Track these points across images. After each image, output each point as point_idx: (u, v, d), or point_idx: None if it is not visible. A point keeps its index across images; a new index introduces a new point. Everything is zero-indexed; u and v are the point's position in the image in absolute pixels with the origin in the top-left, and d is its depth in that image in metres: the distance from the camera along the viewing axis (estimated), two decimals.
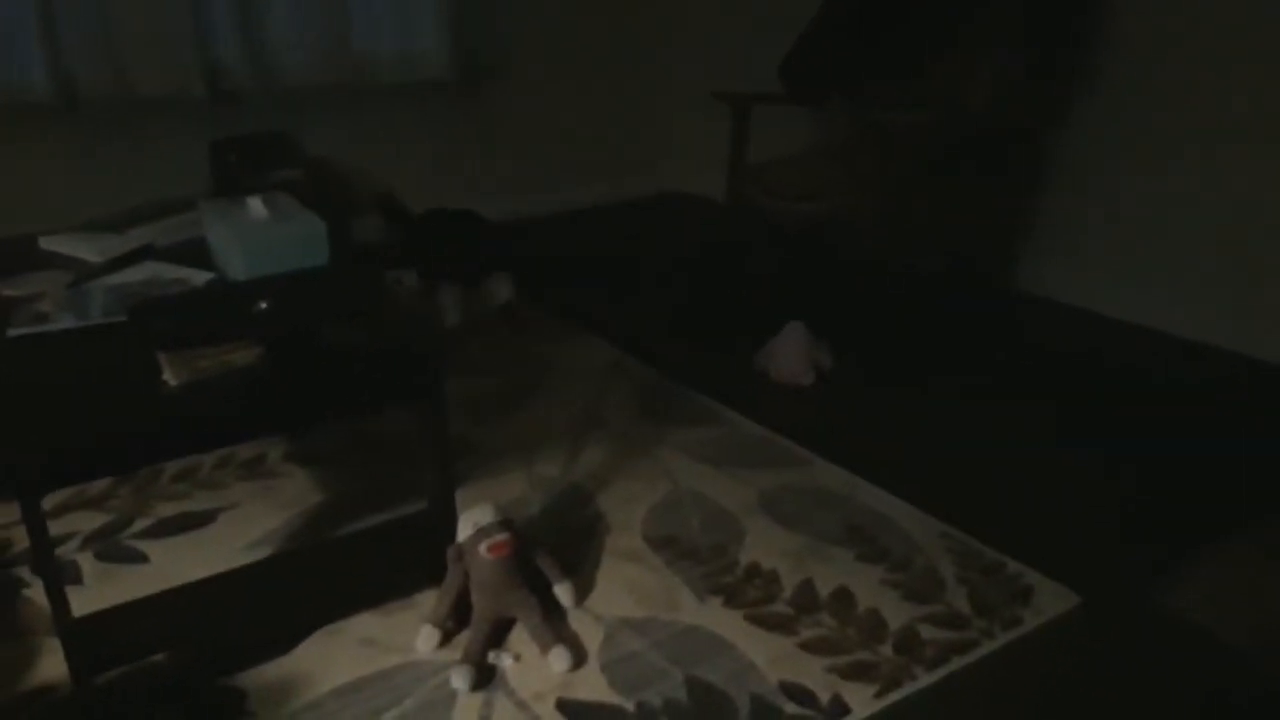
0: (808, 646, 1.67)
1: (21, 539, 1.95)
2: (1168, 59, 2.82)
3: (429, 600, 1.74)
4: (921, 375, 2.72)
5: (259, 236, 1.70)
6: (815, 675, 1.61)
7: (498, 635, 1.68)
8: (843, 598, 1.80)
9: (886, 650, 1.67)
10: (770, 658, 1.65)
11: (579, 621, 1.73)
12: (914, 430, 2.42)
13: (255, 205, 1.79)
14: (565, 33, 4.08)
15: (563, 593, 1.76)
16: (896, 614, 1.76)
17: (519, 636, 1.69)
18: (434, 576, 1.72)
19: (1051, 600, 1.79)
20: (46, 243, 1.99)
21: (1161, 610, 1.77)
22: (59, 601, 1.41)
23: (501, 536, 1.66)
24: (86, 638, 1.51)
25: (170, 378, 1.37)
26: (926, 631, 1.71)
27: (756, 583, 1.84)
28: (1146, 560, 1.91)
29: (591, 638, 1.69)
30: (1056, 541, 1.97)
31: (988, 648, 1.67)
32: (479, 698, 1.56)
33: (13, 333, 1.57)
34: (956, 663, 1.64)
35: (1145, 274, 3.01)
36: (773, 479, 2.20)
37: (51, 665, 1.62)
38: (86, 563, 1.89)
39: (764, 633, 1.71)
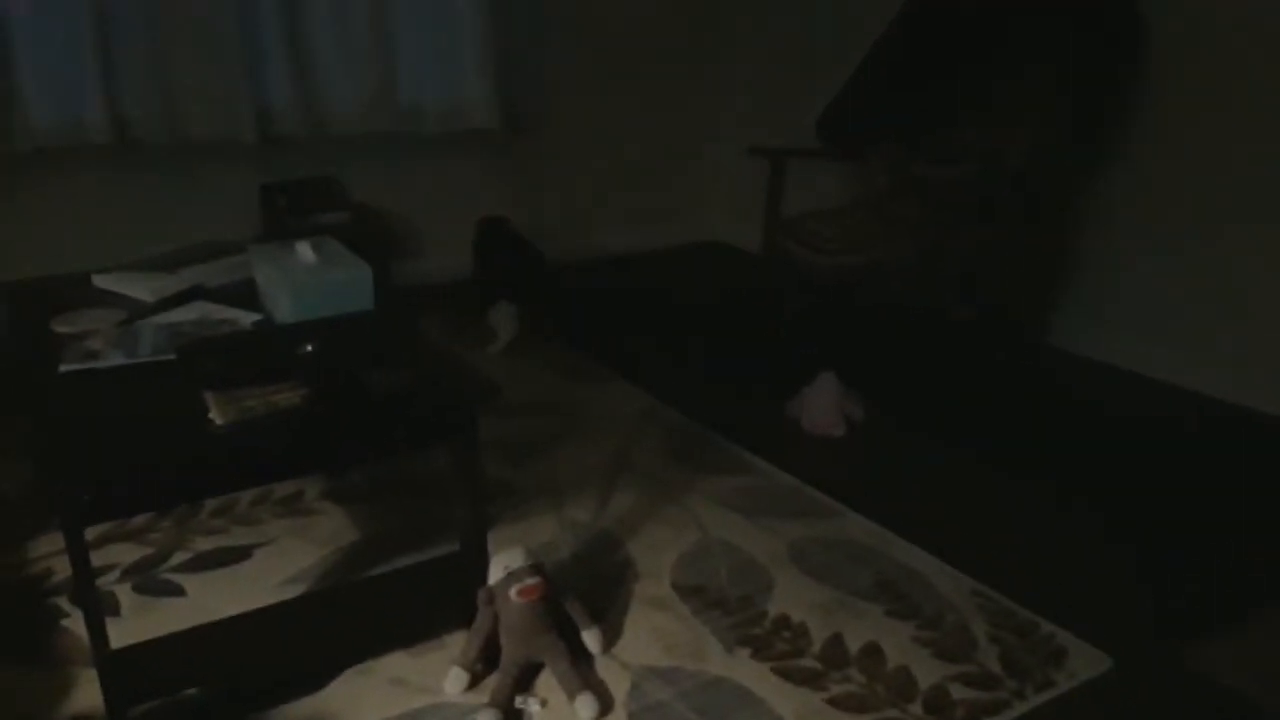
0: (836, 703, 1.65)
1: (62, 569, 1.98)
2: (1205, 120, 2.82)
3: (459, 642, 1.74)
4: (954, 429, 2.70)
5: (306, 280, 1.74)
6: None
7: (525, 679, 1.68)
8: (872, 654, 1.78)
9: (916, 709, 1.64)
10: (798, 713, 1.63)
11: (606, 668, 1.73)
12: (945, 485, 2.40)
13: (303, 249, 1.84)
14: (606, 84, 4.15)
15: (590, 639, 1.76)
16: (927, 672, 1.73)
17: (546, 681, 1.68)
18: (464, 618, 1.73)
19: (1084, 662, 1.76)
20: (100, 281, 2.05)
21: (1195, 674, 1.73)
22: (98, 633, 1.43)
23: (532, 580, 1.67)
24: (123, 670, 1.52)
25: (217, 416, 1.39)
26: (957, 691, 1.69)
27: (785, 635, 1.83)
28: (1180, 624, 1.88)
29: (618, 685, 1.69)
30: (1089, 603, 1.94)
31: (1019, 709, 1.65)
32: None
33: (64, 368, 1.61)
34: None
35: (1179, 332, 2.98)
36: (803, 530, 2.19)
37: (87, 696, 1.63)
38: (124, 595, 1.92)
39: (792, 687, 1.69)
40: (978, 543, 2.14)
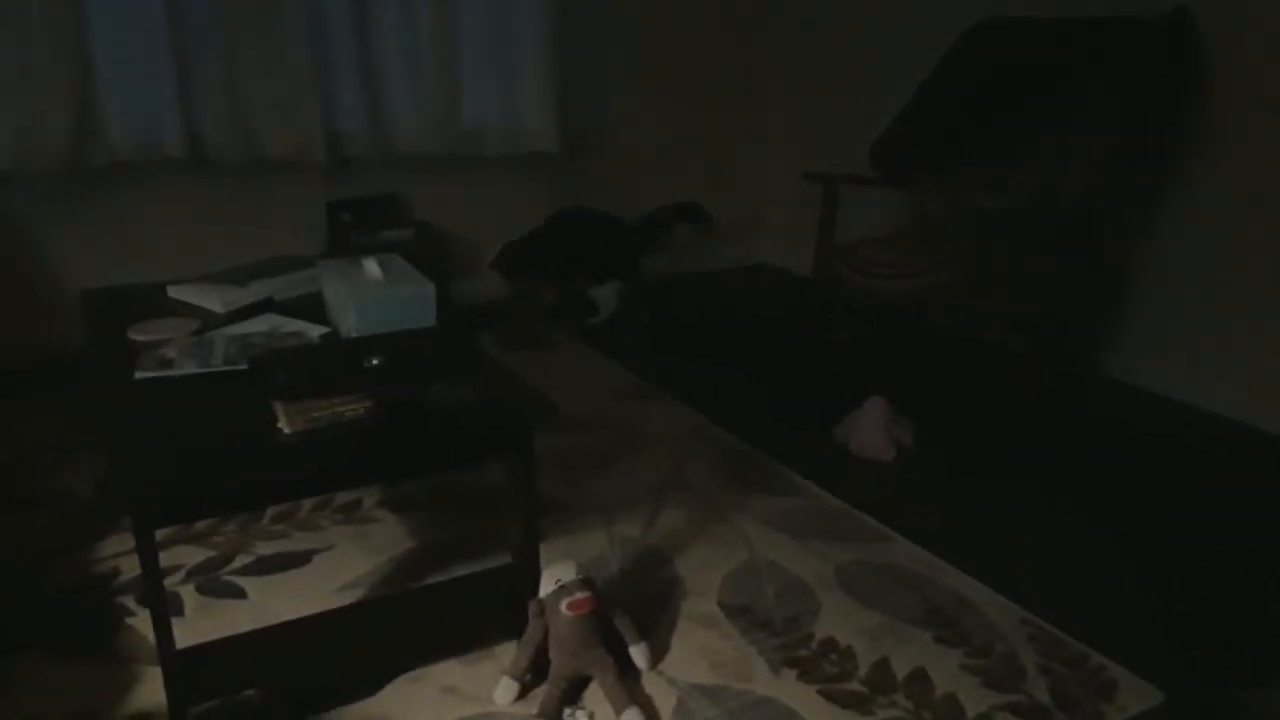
0: None
1: (129, 569, 2.03)
2: (1265, 151, 2.76)
3: (509, 652, 1.75)
4: (1005, 457, 2.66)
5: (372, 296, 1.77)
6: None
7: (574, 692, 1.68)
8: (920, 680, 1.75)
9: None
10: None
11: (652, 684, 1.72)
12: (995, 512, 2.36)
13: (370, 266, 1.87)
14: (663, 108, 4.18)
15: (638, 654, 1.76)
16: (975, 700, 1.70)
17: (594, 695, 1.68)
18: (515, 629, 1.74)
19: (1135, 696, 1.71)
20: (175, 292, 2.10)
21: (1247, 712, 1.68)
22: (164, 633, 1.45)
23: (582, 594, 1.67)
24: (187, 669, 1.55)
25: (285, 426, 1.42)
26: None
27: (832, 658, 1.81)
28: (1233, 660, 1.82)
29: (664, 702, 1.68)
30: (1142, 636, 1.89)
31: None
32: None
33: (139, 375, 1.65)
34: None
35: (1234, 365, 2.91)
36: (850, 554, 2.16)
37: (149, 693, 1.67)
38: (188, 595, 1.96)
39: (838, 710, 1.67)
40: (1028, 571, 2.10)
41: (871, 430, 2.64)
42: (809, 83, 4.26)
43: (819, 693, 1.71)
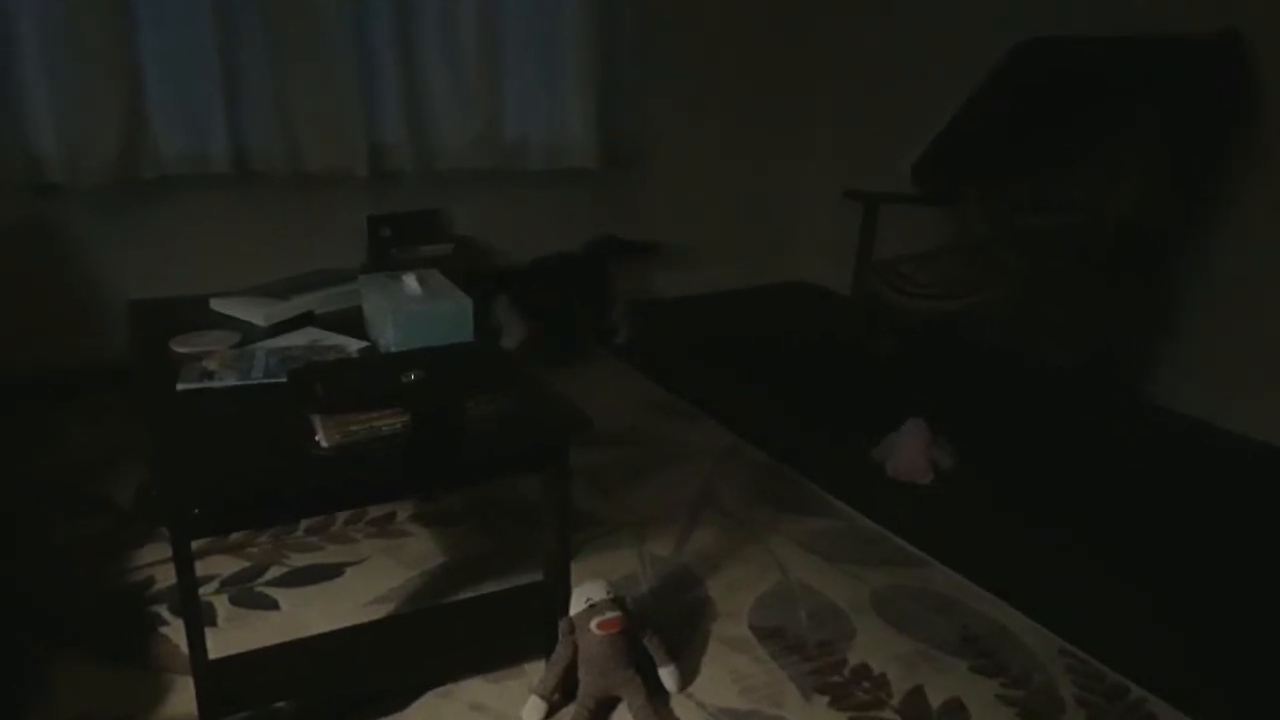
0: None
1: (163, 578, 2.06)
2: None
3: (538, 670, 1.76)
4: (1047, 483, 2.62)
5: (411, 311, 1.79)
6: None
7: (602, 713, 1.68)
8: (955, 710, 1.73)
9: None
10: None
11: (681, 707, 1.72)
12: (1036, 540, 2.33)
13: (410, 281, 1.89)
14: (703, 124, 4.19)
15: (668, 676, 1.75)
16: None
17: (622, 716, 1.68)
18: (545, 647, 1.74)
19: None
20: (217, 304, 2.14)
21: None
22: (198, 643, 1.47)
23: (613, 614, 1.67)
24: (219, 680, 1.56)
25: (323, 439, 1.44)
26: None
27: (865, 685, 1.79)
28: (1274, 695, 1.78)
29: None
30: (1183, 670, 1.85)
31: None
32: None
33: (181, 386, 1.68)
34: None
35: None
36: (885, 578, 2.14)
37: (181, 702, 1.69)
38: (221, 605, 1.98)
39: None
40: (1068, 601, 2.07)
41: (910, 452, 2.62)
42: (850, 99, 4.26)
43: None
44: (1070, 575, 2.18)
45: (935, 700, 1.75)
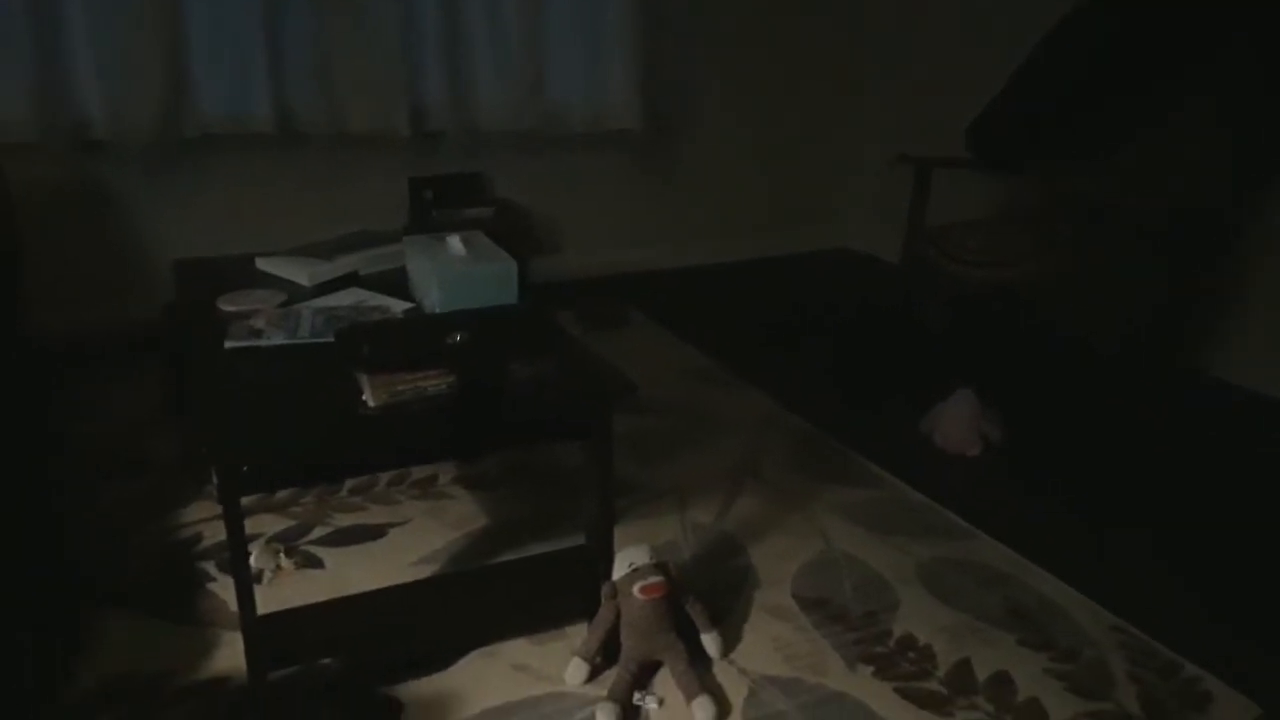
0: None
1: (210, 535, 2.11)
2: None
3: (580, 633, 1.78)
4: (1098, 457, 2.60)
5: (457, 273, 1.81)
6: None
7: (644, 677, 1.70)
8: (1002, 682, 1.73)
9: None
10: None
11: (723, 674, 1.73)
12: (1086, 514, 2.31)
13: (454, 243, 1.90)
14: (749, 87, 4.15)
15: (710, 643, 1.77)
16: (1059, 706, 1.67)
17: (664, 680, 1.70)
18: (587, 610, 1.76)
19: (1230, 709, 1.67)
20: (263, 264, 2.17)
21: None
22: (246, 599, 1.51)
23: (656, 579, 1.69)
24: (267, 635, 1.61)
25: (370, 399, 1.46)
26: None
27: (910, 656, 1.80)
28: None
29: (735, 692, 1.69)
30: (1238, 648, 1.84)
31: None
32: None
33: (229, 344, 1.71)
34: None
35: None
36: (931, 550, 2.14)
37: (227, 657, 1.74)
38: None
39: (915, 709, 1.66)
40: (1120, 576, 2.06)
41: (958, 423, 2.60)
42: (901, 58, 4.19)
43: (895, 691, 1.70)
44: (1122, 550, 2.16)
45: (982, 673, 1.75)
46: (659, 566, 1.72)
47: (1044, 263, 2.72)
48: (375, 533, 2.15)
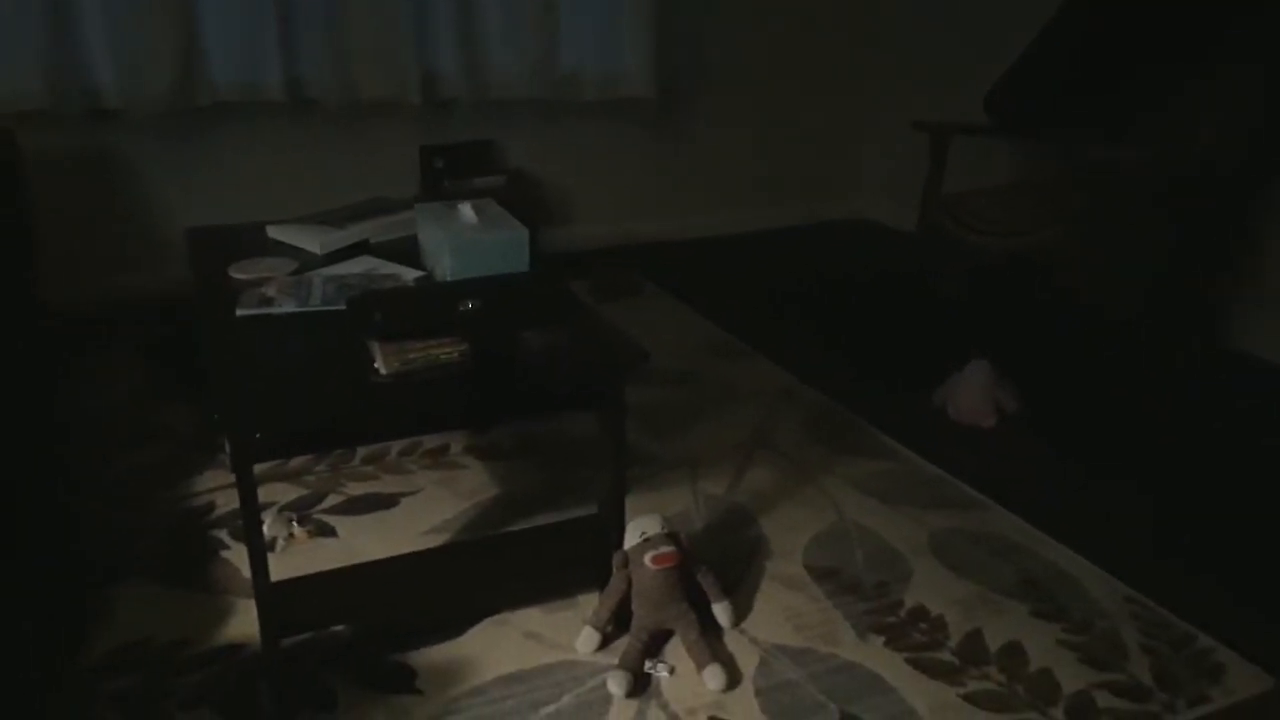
0: (973, 699, 1.63)
1: (224, 503, 2.14)
2: None
3: (591, 602, 1.80)
4: (1114, 428, 2.59)
5: (468, 240, 1.81)
6: None
7: (655, 645, 1.72)
8: (1014, 653, 1.74)
9: (1058, 713, 1.60)
10: (932, 705, 1.61)
11: (735, 643, 1.75)
12: (1101, 486, 2.31)
13: (466, 211, 1.90)
14: (763, 54, 4.12)
15: (721, 612, 1.78)
16: (1072, 677, 1.68)
17: (675, 649, 1.72)
18: (599, 579, 1.78)
19: (1244, 680, 1.67)
20: (273, 232, 2.17)
21: None
22: (260, 566, 1.53)
23: (667, 549, 1.70)
24: (280, 603, 1.63)
25: (382, 367, 1.47)
26: (1103, 699, 1.63)
27: (921, 627, 1.81)
28: None
29: (746, 661, 1.70)
30: (1253, 620, 1.84)
31: None
32: (633, 705, 1.60)
33: (240, 312, 1.72)
34: None
35: None
36: (944, 521, 2.15)
37: (241, 624, 1.76)
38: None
39: (926, 679, 1.67)
40: (1133, 548, 2.06)
41: (973, 394, 2.60)
42: (917, 23, 4.14)
43: (907, 661, 1.71)
44: (1136, 522, 2.16)
45: (994, 643, 1.76)
46: (671, 536, 1.73)
47: (1060, 231, 2.70)
48: (387, 502, 2.16)
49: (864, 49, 4.29)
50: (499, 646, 1.72)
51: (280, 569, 1.83)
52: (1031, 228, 2.74)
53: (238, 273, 1.92)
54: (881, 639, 1.77)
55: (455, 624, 1.77)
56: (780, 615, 1.82)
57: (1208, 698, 1.64)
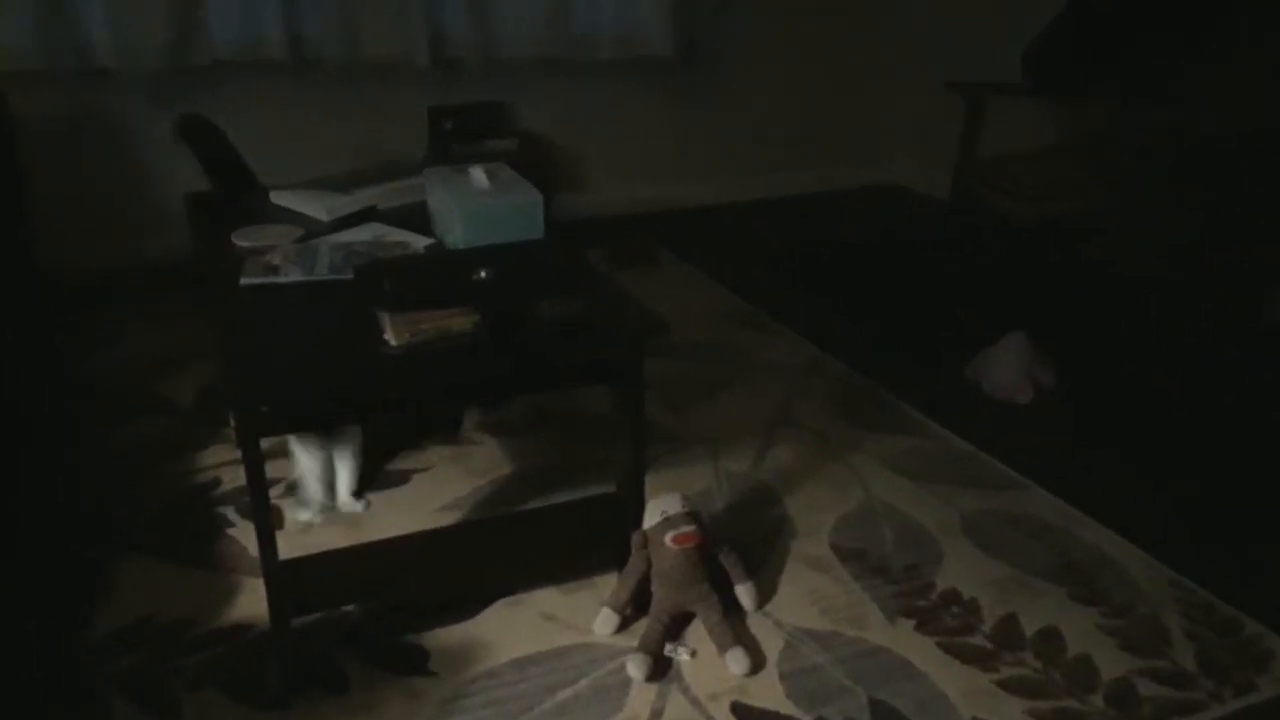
0: (1007, 685, 1.63)
1: (229, 479, 2.14)
2: None
3: (609, 583, 1.80)
4: (1156, 405, 2.57)
5: (480, 206, 1.80)
6: (1014, 717, 1.56)
7: (676, 628, 1.72)
8: (1051, 638, 1.73)
9: (1097, 701, 1.60)
10: (964, 691, 1.61)
11: (758, 626, 1.75)
12: (1144, 465, 2.30)
13: (477, 175, 1.89)
14: (788, 14, 4.06)
15: (744, 594, 1.78)
16: (1111, 663, 1.68)
17: (696, 631, 1.72)
18: (617, 560, 1.78)
19: None
20: (277, 198, 2.16)
21: None
22: (268, 544, 1.53)
23: (688, 528, 1.70)
24: (289, 581, 1.63)
25: (392, 338, 1.47)
26: (1145, 687, 1.63)
27: (954, 610, 1.80)
28: None
29: (771, 644, 1.70)
30: None
31: (1214, 712, 1.58)
32: (653, 689, 1.60)
33: (245, 282, 1.72)
34: None
35: None
36: (978, 501, 2.14)
37: (249, 603, 1.77)
38: (288, 508, 2.06)
39: (959, 664, 1.67)
40: (1178, 530, 2.04)
41: (1008, 369, 2.58)
42: None
43: (938, 645, 1.71)
44: (1181, 503, 2.15)
45: (1030, 628, 1.76)
46: (692, 515, 1.73)
47: (1095, 196, 2.66)
48: (398, 479, 2.17)
49: (893, 4, 4.23)
50: (514, 628, 1.73)
51: (289, 547, 1.84)
52: (1069, 192, 2.71)
53: (241, 240, 1.91)
54: (911, 622, 1.76)
55: (469, 604, 1.77)
56: (806, 597, 1.82)
57: (1255, 686, 1.63)
